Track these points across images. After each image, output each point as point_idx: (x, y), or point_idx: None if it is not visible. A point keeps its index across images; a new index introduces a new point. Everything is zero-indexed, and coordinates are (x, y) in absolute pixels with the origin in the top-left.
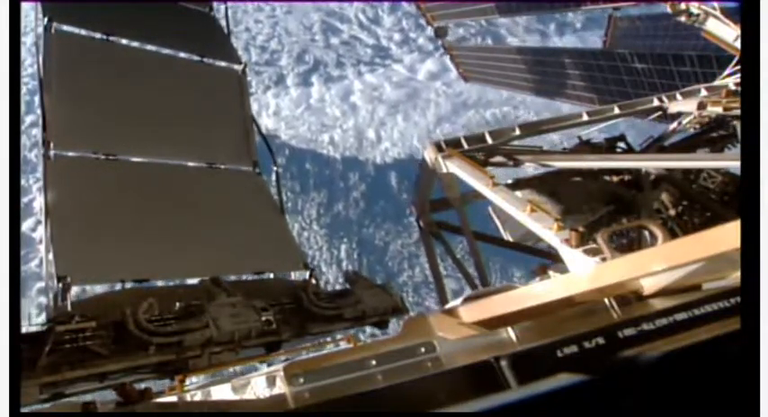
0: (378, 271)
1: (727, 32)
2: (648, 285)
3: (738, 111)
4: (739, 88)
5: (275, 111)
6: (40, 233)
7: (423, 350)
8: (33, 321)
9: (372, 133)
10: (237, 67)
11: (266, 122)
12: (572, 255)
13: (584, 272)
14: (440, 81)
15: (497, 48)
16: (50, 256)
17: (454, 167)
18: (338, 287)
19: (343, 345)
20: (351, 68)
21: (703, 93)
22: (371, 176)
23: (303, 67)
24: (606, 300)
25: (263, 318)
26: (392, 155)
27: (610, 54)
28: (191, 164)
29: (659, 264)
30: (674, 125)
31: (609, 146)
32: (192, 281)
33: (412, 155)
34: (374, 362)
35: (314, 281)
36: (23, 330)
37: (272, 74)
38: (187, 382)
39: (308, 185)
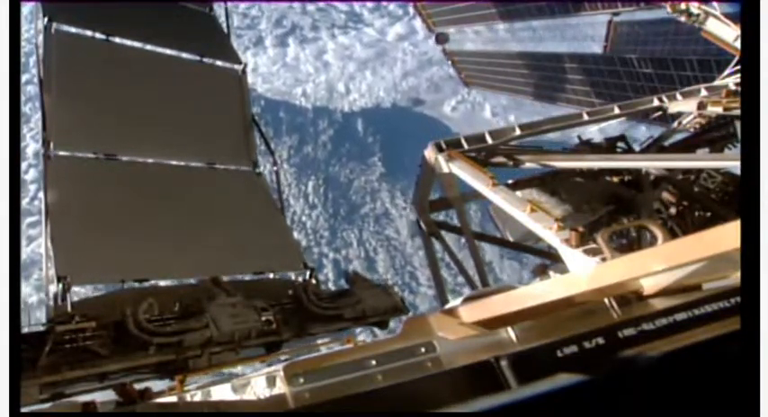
0: (341, 204)
1: (727, 32)
2: (648, 285)
3: (738, 111)
4: (739, 88)
5: (253, 68)
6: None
7: (423, 350)
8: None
9: (342, 86)
10: (237, 67)
11: None
12: (572, 255)
13: (584, 272)
14: (407, 42)
15: (498, 54)
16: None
17: (454, 167)
18: (304, 219)
19: (343, 346)
20: (325, 31)
21: (703, 93)
22: (339, 122)
23: (280, 31)
24: (606, 300)
25: (263, 318)
26: (360, 104)
27: (610, 59)
28: (190, 164)
29: (659, 264)
30: (674, 125)
31: (609, 146)
32: (192, 281)
33: (378, 105)
34: (374, 362)
35: (314, 281)
36: (23, 330)
37: (251, 36)
38: (187, 382)
39: (281, 130)
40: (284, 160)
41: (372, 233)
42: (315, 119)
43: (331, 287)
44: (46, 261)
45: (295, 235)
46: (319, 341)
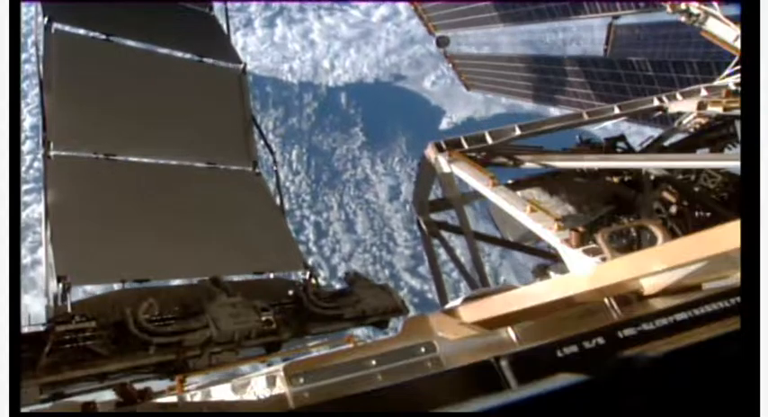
0: (323, 170)
1: (727, 32)
2: (648, 285)
3: (738, 111)
4: (739, 88)
5: (242, 47)
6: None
7: (423, 350)
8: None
9: (327, 63)
10: (237, 67)
11: None
12: (572, 255)
13: (584, 272)
14: (390, 22)
15: (499, 57)
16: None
17: (454, 167)
18: (288, 184)
19: (343, 346)
20: (312, 12)
21: (703, 93)
22: (324, 96)
23: (269, 13)
24: (606, 300)
25: (263, 318)
26: (343, 80)
27: (610, 61)
28: (190, 163)
29: (659, 264)
30: (674, 125)
31: (609, 146)
32: (192, 281)
33: (361, 80)
34: (374, 362)
35: (314, 281)
36: (23, 330)
37: (241, 18)
38: (187, 382)
39: (267, 104)
40: (270, 131)
41: (353, 197)
42: (300, 93)
43: (311, 248)
44: (46, 261)
45: (277, 199)
46: (319, 341)
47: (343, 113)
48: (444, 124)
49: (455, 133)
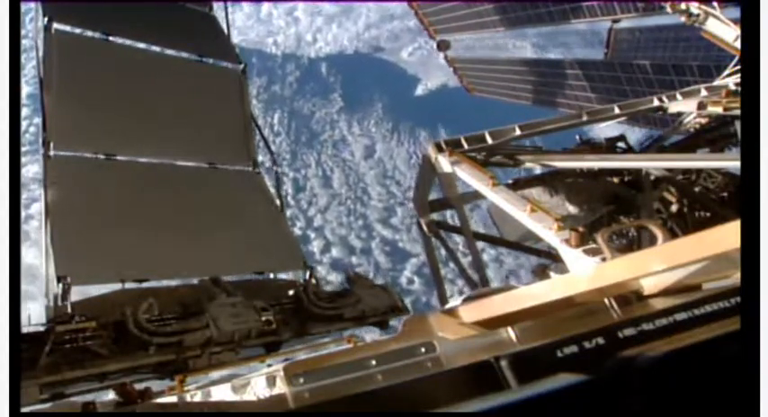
0: (303, 132)
1: (727, 32)
2: (648, 285)
3: (738, 111)
4: (739, 88)
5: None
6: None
7: (423, 350)
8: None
9: (310, 37)
10: (237, 67)
11: None
12: (572, 255)
13: (584, 272)
14: None
15: (500, 61)
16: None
17: (454, 167)
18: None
19: (343, 346)
20: None
21: (703, 93)
22: (305, 65)
23: None
24: (606, 300)
25: (263, 318)
26: (325, 51)
27: (611, 65)
28: (191, 163)
29: (659, 264)
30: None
31: (609, 146)
32: (193, 281)
33: (341, 52)
34: (374, 362)
35: (314, 281)
36: (23, 330)
37: None
38: (187, 382)
39: (252, 73)
40: (253, 97)
41: (330, 155)
42: (283, 63)
43: (290, 201)
44: (46, 261)
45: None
46: (319, 341)
47: (323, 81)
48: (419, 90)
49: (429, 98)
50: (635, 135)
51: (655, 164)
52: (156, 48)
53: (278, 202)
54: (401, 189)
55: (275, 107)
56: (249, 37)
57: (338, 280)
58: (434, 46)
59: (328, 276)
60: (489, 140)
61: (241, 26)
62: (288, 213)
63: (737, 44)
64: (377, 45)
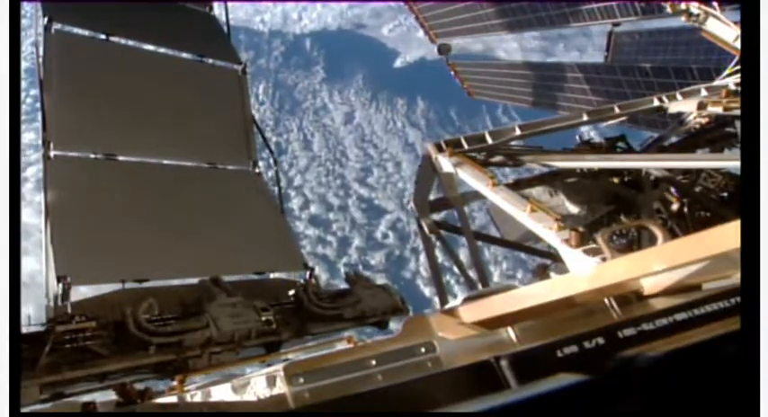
0: (286, 101)
1: (727, 32)
2: (648, 285)
3: (738, 111)
4: (739, 88)
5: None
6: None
7: (423, 350)
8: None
9: (296, 15)
10: (237, 67)
11: None
12: (572, 255)
13: (584, 272)
14: None
15: (501, 64)
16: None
17: (454, 167)
18: (253, 112)
19: (344, 345)
20: None
21: (703, 93)
22: (291, 41)
23: None
24: (606, 300)
25: (263, 318)
26: (309, 28)
27: (611, 68)
28: (190, 163)
29: (659, 264)
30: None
31: (609, 146)
32: (192, 281)
33: (325, 28)
34: (374, 362)
35: (314, 281)
36: (23, 330)
37: None
38: (187, 382)
39: (239, 49)
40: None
41: (311, 121)
42: (270, 39)
43: (270, 163)
44: (46, 260)
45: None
46: (319, 341)
47: (307, 56)
48: (398, 63)
49: (408, 70)
50: (637, 138)
51: (655, 164)
52: (156, 48)
53: (277, 202)
54: (377, 151)
55: (261, 79)
56: (237, 15)
57: (315, 235)
58: (412, 22)
59: (306, 231)
60: (489, 140)
61: (230, 5)
62: (269, 174)
63: (737, 44)
64: (359, 22)
